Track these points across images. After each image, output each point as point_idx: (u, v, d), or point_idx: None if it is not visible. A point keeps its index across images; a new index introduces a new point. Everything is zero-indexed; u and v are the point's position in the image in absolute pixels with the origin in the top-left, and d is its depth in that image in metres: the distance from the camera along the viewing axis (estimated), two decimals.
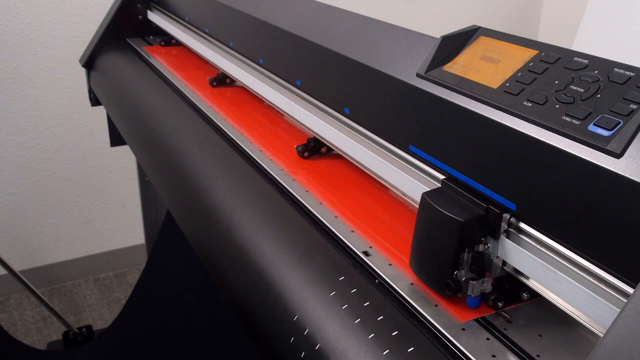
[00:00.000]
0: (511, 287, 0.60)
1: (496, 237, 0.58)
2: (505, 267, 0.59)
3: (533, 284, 0.57)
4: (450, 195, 0.62)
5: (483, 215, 0.58)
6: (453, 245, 0.57)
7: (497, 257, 0.58)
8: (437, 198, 0.61)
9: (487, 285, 0.59)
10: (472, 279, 0.58)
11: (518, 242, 0.56)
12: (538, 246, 0.55)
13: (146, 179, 1.88)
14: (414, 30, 0.73)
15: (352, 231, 0.75)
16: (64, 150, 2.27)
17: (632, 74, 0.50)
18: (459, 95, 0.61)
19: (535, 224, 0.55)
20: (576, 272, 0.51)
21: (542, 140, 0.51)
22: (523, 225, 0.56)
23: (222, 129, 1.07)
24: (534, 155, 0.52)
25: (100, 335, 1.90)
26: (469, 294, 0.58)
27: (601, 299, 0.49)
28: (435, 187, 0.66)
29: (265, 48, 1.05)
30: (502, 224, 0.57)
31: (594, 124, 0.49)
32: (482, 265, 0.59)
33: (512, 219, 0.57)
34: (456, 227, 0.57)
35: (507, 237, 0.57)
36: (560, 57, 0.56)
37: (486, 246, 0.59)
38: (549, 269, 0.53)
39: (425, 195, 0.62)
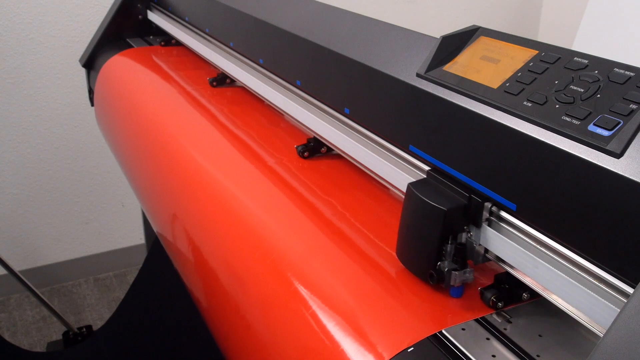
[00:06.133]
0: (511, 287, 0.60)
1: (478, 225, 0.59)
2: (487, 255, 0.60)
3: (532, 283, 0.57)
4: (435, 185, 0.64)
5: (465, 205, 0.59)
6: (437, 234, 0.59)
7: (479, 244, 0.60)
8: (422, 188, 0.63)
9: (469, 276, 0.60)
10: (455, 270, 0.59)
11: (499, 229, 0.58)
12: (518, 233, 0.56)
13: None
14: (414, 30, 0.73)
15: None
16: (64, 150, 2.27)
17: (632, 74, 0.50)
18: (459, 95, 0.61)
19: (535, 224, 0.55)
20: (576, 272, 0.51)
21: (542, 140, 0.51)
22: (504, 214, 0.58)
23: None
24: (534, 156, 0.52)
25: (95, 335, 1.89)
26: (451, 284, 0.60)
27: (601, 299, 0.49)
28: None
29: (265, 48, 1.05)
30: (484, 212, 0.59)
31: (594, 124, 0.49)
32: (464, 256, 0.60)
33: (494, 208, 0.58)
34: (439, 215, 0.58)
35: (489, 225, 0.59)
36: (560, 57, 0.56)
37: (469, 234, 0.60)
38: (529, 256, 0.55)
39: (410, 185, 0.63)
